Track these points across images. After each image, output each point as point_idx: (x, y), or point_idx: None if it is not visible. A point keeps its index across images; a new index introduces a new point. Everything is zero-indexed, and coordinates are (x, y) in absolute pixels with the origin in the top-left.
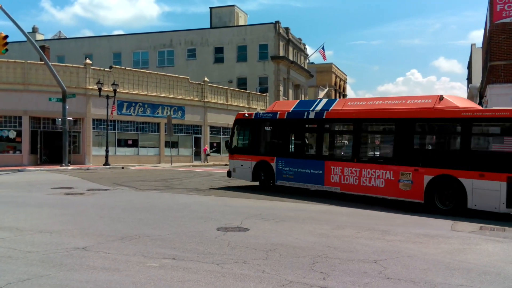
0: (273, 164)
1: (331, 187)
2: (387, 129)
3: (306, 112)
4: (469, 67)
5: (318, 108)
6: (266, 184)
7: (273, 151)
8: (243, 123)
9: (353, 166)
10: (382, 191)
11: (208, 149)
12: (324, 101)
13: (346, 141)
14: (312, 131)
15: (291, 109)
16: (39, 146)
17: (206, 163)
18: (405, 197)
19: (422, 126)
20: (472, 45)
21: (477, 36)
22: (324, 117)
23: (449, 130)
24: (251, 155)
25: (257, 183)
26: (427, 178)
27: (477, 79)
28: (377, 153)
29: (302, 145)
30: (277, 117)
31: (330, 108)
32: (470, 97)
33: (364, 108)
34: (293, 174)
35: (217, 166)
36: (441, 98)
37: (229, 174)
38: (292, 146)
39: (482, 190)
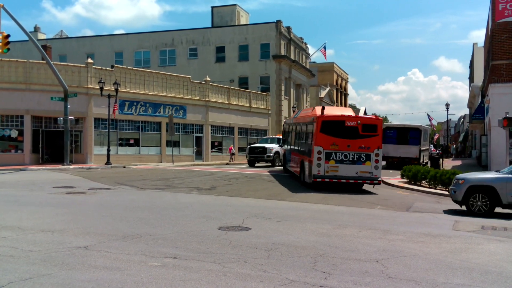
0: (286, 154)
1: (291, 169)
2: (298, 129)
3: (293, 118)
4: (471, 66)
5: (297, 115)
6: (284, 168)
7: (285, 145)
8: (283, 126)
9: (294, 154)
10: (297, 171)
11: (233, 149)
12: (302, 109)
13: (295, 137)
14: (291, 131)
15: (295, 115)
16: (41, 145)
17: (232, 162)
18: (297, 173)
19: (301, 127)
20: (474, 44)
21: (478, 36)
22: (292, 121)
23: (305, 129)
24: (283, 147)
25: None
26: (300, 162)
27: (479, 78)
28: (299, 145)
29: (290, 141)
30: (288, 122)
31: (298, 116)
32: (472, 96)
33: (301, 115)
34: (288, 160)
35: (220, 165)
36: (313, 108)
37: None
38: (288, 141)
39: (308, 169)
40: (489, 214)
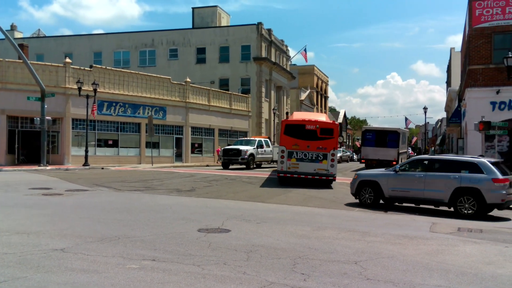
0: None
1: None
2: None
3: None
4: (448, 70)
5: None
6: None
7: None
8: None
9: None
10: None
11: (221, 150)
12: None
13: None
14: None
15: None
16: (16, 145)
17: (219, 163)
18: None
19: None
20: (452, 49)
21: (455, 41)
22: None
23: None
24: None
25: None
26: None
27: (456, 83)
28: None
29: None
30: None
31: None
32: (449, 100)
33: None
34: None
35: (203, 167)
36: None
37: None
38: None
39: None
40: (374, 205)
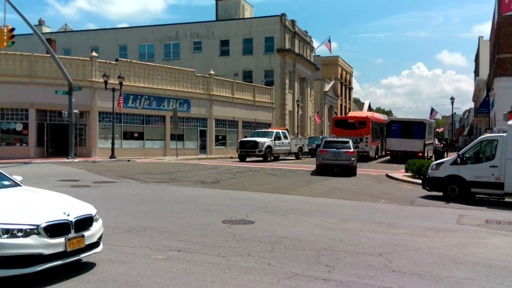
0: None
1: None
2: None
3: None
4: (476, 60)
5: None
6: None
7: None
8: None
9: None
10: None
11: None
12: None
13: None
14: None
15: None
16: (45, 138)
17: None
18: None
19: None
20: (480, 38)
21: (481, 30)
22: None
23: None
24: None
25: None
26: None
27: (485, 72)
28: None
29: None
30: None
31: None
32: (477, 90)
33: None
34: None
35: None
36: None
37: None
38: None
39: None
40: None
